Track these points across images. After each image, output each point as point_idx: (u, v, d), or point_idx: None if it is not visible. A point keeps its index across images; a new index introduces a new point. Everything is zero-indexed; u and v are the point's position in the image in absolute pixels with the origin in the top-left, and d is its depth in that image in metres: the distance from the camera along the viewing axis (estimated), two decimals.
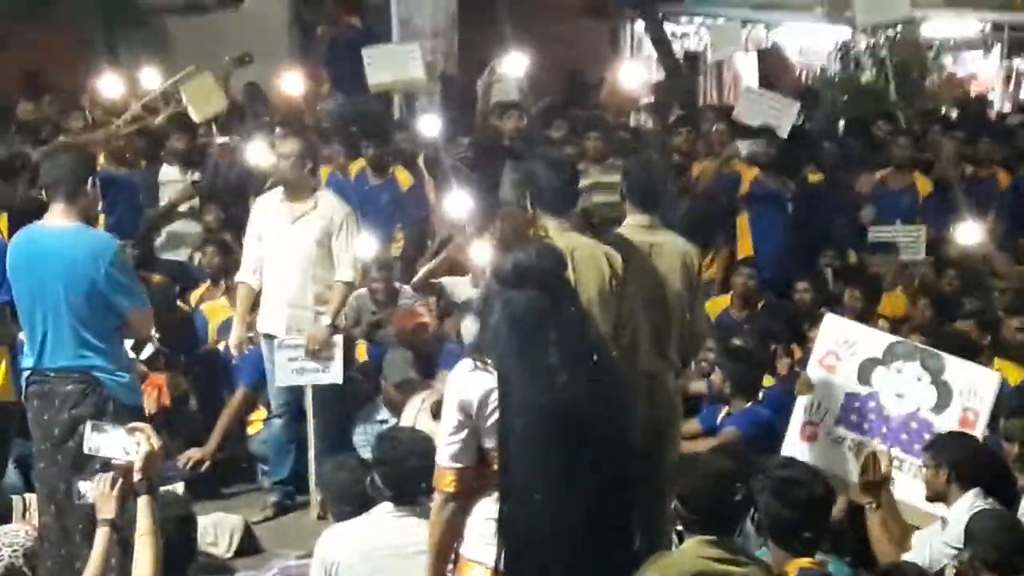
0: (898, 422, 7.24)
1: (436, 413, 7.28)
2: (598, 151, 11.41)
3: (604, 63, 16.28)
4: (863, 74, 17.95)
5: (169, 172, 11.54)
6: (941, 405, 7.18)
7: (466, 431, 4.76)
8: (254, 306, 8.95)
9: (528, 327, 4.48)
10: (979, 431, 7.02)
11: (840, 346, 7.42)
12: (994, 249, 10.07)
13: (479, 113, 12.19)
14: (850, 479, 6.88)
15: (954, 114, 16.75)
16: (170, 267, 11.03)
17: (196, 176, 11.49)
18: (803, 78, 19.39)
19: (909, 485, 6.89)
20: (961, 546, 5.97)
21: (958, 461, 6.59)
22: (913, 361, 7.25)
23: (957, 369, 7.22)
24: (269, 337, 8.81)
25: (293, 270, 8.74)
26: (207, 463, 9.14)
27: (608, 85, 15.74)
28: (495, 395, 4.63)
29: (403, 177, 11.59)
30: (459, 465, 4.80)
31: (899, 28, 17.68)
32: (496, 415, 4.63)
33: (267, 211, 8.88)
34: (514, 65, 12.73)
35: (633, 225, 7.08)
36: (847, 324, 7.63)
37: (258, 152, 10.63)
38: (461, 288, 9.91)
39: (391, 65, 12.42)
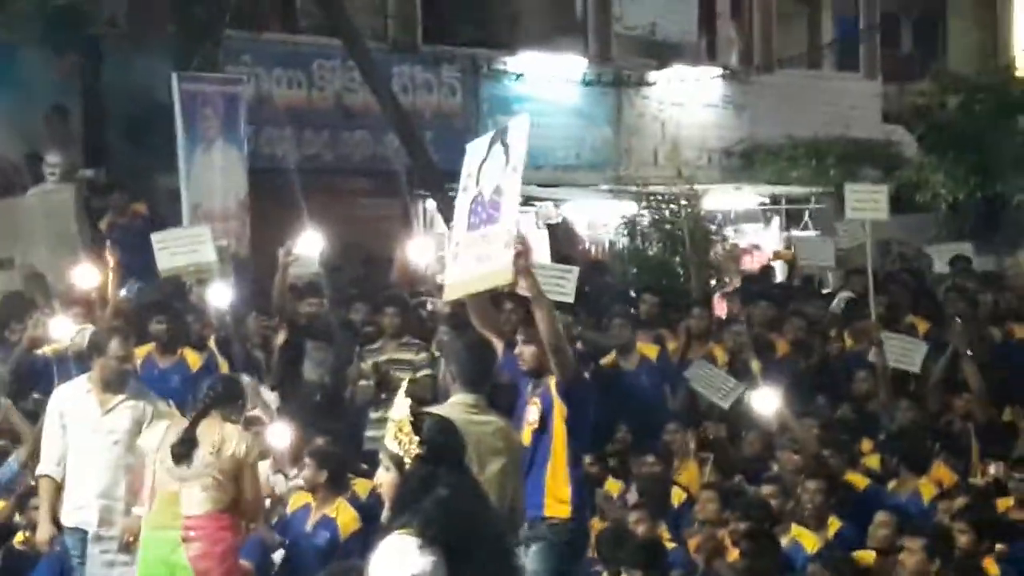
0: None
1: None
2: (394, 327, 11.44)
3: (397, 240, 16.29)
4: (650, 247, 18.29)
5: None
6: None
7: None
8: None
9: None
10: None
11: None
12: (790, 415, 10.20)
13: (276, 294, 12.09)
14: None
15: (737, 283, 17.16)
16: None
17: None
18: (593, 251, 19.69)
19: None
20: None
21: None
22: None
23: None
24: (76, 531, 8.58)
25: (104, 461, 8.62)
26: None
27: (399, 262, 15.70)
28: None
29: (192, 358, 11.35)
30: None
31: (683, 203, 18.20)
32: None
33: (73, 401, 8.74)
34: (309, 244, 12.68)
35: (457, 403, 7.18)
36: None
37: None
38: None
39: (181, 249, 12.24)
